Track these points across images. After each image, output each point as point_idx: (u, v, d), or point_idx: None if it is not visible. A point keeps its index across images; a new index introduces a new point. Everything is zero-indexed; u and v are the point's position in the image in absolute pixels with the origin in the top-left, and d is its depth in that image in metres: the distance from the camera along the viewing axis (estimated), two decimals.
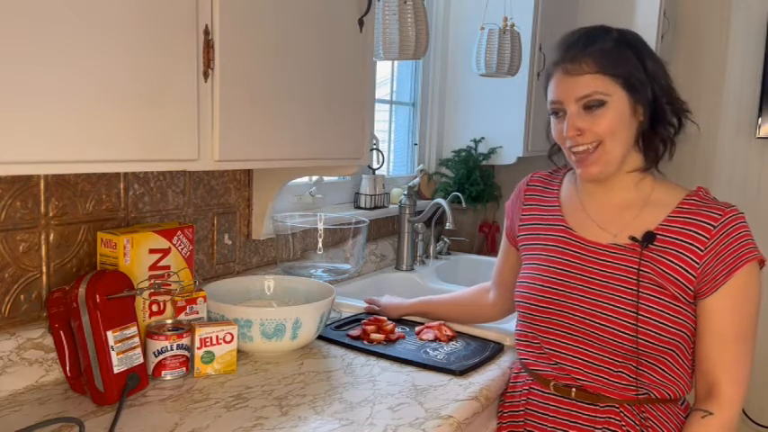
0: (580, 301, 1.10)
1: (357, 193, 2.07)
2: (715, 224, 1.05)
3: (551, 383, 1.15)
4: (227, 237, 1.53)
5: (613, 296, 1.08)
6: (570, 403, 1.13)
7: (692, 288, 1.06)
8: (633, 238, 1.09)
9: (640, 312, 1.05)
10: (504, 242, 1.36)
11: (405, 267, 2.10)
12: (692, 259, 1.06)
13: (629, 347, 1.06)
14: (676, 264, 1.06)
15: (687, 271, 1.06)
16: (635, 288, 1.07)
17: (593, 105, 1.06)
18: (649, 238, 1.08)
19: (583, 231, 1.15)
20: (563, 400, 1.14)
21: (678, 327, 1.06)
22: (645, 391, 1.09)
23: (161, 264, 1.20)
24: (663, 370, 1.09)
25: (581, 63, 1.07)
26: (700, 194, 1.11)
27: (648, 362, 1.08)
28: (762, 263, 1.08)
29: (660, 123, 1.11)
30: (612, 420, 1.10)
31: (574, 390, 1.13)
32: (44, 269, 1.14)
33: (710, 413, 1.07)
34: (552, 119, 1.14)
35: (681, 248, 1.06)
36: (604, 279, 1.09)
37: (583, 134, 1.07)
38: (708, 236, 1.05)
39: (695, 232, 1.06)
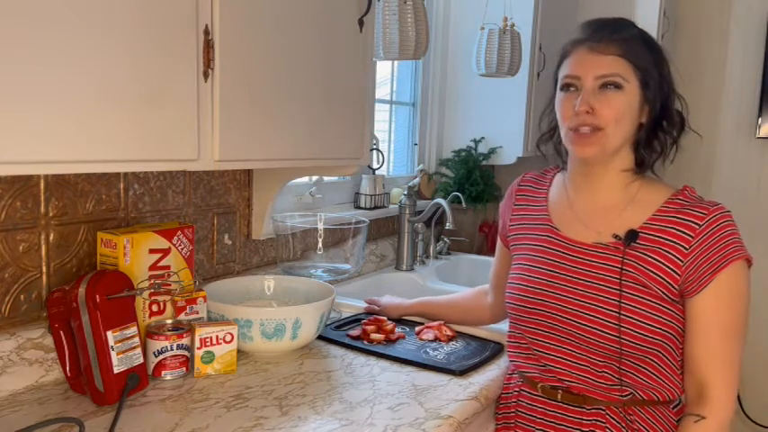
0: (564, 301, 1.10)
1: (357, 193, 2.06)
2: (700, 222, 1.05)
3: (539, 385, 1.15)
4: (227, 237, 1.53)
5: (596, 296, 1.07)
6: (557, 405, 1.13)
7: (676, 287, 1.05)
8: (616, 237, 1.09)
9: (623, 312, 1.05)
10: (498, 244, 1.35)
11: (405, 267, 2.10)
12: (676, 257, 1.05)
13: (612, 347, 1.06)
14: (661, 262, 1.05)
15: (671, 269, 1.05)
16: (617, 287, 1.06)
17: (610, 86, 1.06)
18: (632, 236, 1.07)
19: (568, 231, 1.15)
20: (550, 403, 1.14)
21: (662, 327, 1.05)
22: (630, 392, 1.09)
23: (161, 264, 1.20)
24: (648, 370, 1.08)
25: (608, 45, 1.07)
26: (685, 193, 1.10)
27: (632, 362, 1.07)
28: (749, 262, 1.07)
29: (661, 129, 1.11)
30: (598, 423, 1.09)
31: (560, 392, 1.13)
32: (44, 269, 1.14)
33: (703, 417, 1.06)
34: (560, 94, 1.12)
35: (665, 246, 1.06)
36: (588, 278, 1.09)
37: (593, 114, 1.06)
38: (692, 234, 1.05)
39: (680, 231, 1.06)
